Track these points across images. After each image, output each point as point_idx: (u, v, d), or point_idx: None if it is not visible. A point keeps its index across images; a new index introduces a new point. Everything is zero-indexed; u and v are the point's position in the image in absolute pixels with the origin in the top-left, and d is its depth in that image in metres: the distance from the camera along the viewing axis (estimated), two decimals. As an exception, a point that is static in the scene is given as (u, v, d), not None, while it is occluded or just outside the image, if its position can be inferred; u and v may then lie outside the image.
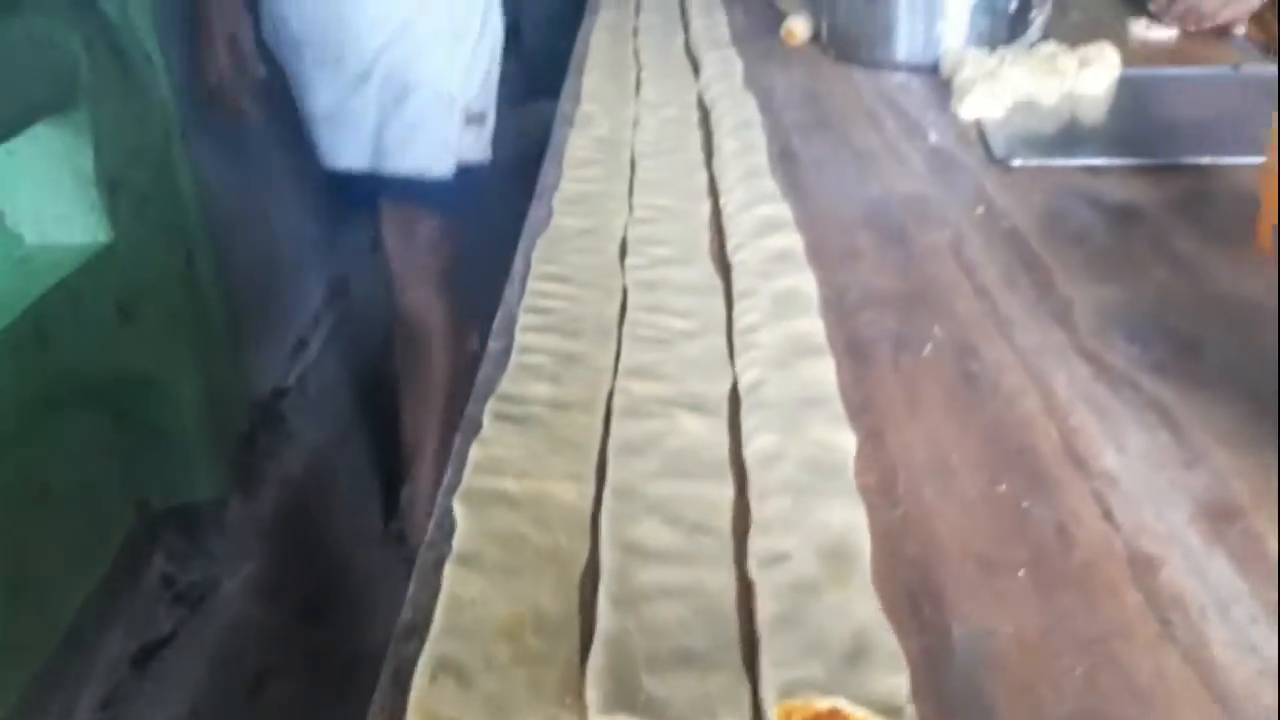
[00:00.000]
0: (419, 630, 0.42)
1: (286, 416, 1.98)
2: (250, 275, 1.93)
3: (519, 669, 0.39)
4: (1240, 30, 1.21)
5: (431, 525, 0.49)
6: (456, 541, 0.46)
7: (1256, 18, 1.22)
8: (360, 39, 1.44)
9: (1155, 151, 0.87)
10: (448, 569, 0.44)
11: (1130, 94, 1.03)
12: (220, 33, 1.39)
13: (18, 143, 1.14)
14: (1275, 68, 1.08)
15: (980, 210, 0.79)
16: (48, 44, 1.08)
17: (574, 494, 0.49)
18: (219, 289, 1.58)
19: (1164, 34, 1.22)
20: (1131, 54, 1.09)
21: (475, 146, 1.58)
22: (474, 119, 1.56)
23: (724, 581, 0.43)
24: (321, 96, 1.49)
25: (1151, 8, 1.25)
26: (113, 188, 1.22)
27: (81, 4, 1.01)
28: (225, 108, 1.44)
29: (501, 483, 0.49)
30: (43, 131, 1.15)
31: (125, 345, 1.27)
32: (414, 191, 1.53)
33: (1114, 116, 0.99)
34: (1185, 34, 1.22)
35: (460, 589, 0.43)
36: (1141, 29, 1.23)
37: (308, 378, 2.15)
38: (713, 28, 1.30)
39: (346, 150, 1.51)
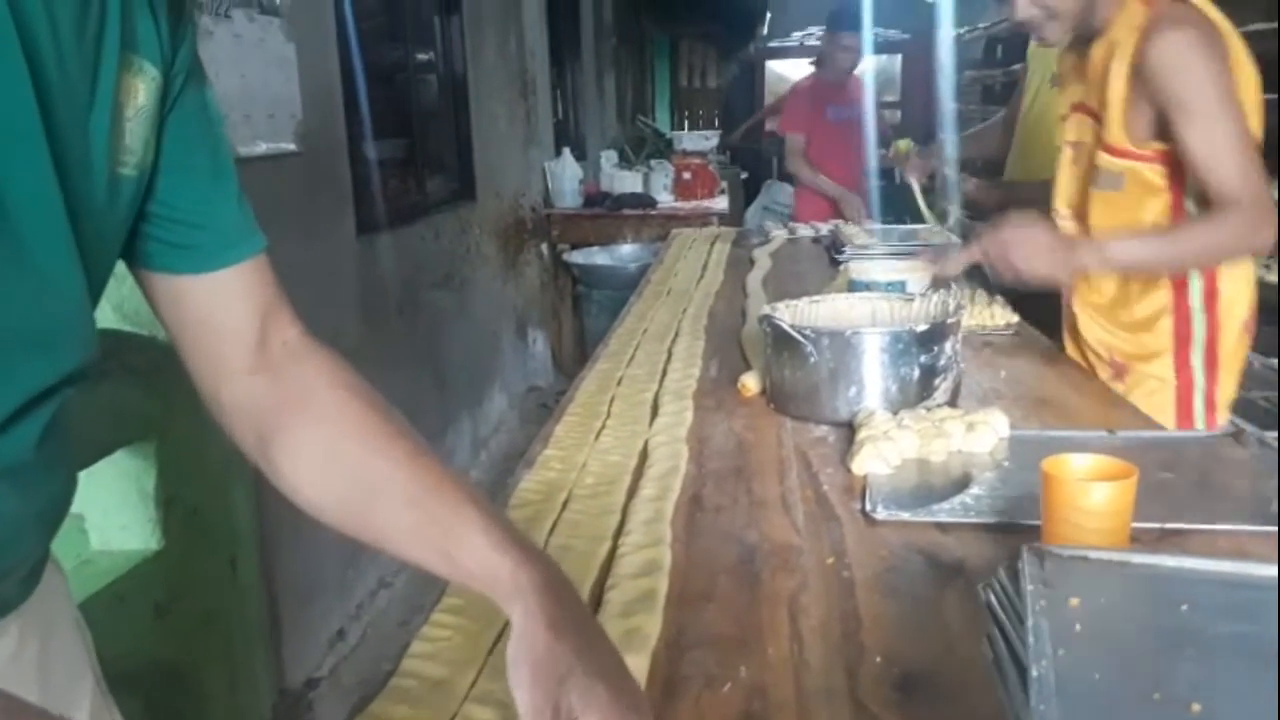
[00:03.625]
0: None
1: (313, 705, 2.10)
2: (297, 572, 2.14)
3: None
4: None
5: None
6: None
7: None
8: None
9: (1000, 511, 1.01)
10: None
11: (1015, 453, 1.19)
12: None
13: (98, 464, 1.40)
14: (1144, 433, 1.23)
15: (830, 561, 0.94)
16: (127, 401, 1.36)
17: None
18: (260, 587, 1.78)
19: None
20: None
21: None
22: None
23: None
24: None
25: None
26: (168, 502, 1.46)
27: (162, 367, 1.29)
28: None
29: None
30: (119, 455, 1.41)
31: (158, 639, 1.45)
32: None
33: (993, 475, 1.13)
34: None
35: None
36: None
37: (342, 667, 2.29)
38: (683, 380, 1.53)
39: None
